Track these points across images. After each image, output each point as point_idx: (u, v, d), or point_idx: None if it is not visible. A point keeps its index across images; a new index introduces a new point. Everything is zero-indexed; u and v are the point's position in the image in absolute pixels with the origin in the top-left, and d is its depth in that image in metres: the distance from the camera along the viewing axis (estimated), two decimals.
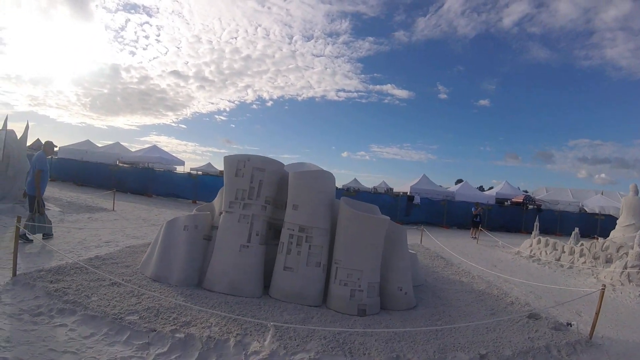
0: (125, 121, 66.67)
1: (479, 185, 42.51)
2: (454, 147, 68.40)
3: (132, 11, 61.66)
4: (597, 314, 4.70)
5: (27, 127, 10.37)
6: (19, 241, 4.98)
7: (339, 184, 32.55)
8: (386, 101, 61.78)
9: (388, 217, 5.20)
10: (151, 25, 61.43)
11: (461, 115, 65.54)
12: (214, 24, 62.22)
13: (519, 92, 63.32)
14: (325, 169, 6.08)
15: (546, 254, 11.93)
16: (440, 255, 10.29)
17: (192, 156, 73.21)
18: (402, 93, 61.36)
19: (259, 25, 63.40)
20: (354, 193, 22.79)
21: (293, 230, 4.97)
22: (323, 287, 5.07)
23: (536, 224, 14.22)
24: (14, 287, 4.32)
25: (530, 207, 25.73)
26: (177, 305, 4.26)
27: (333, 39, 60.78)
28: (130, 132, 65.66)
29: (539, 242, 12.86)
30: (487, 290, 6.80)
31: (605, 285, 5.21)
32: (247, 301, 4.73)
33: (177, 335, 3.57)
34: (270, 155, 5.77)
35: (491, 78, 62.61)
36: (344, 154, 73.59)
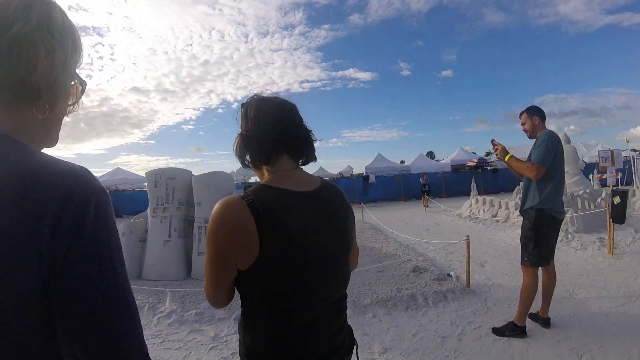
0: (92, 146, 66.00)
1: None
2: (423, 121, 69.87)
3: (83, 33, 59.41)
4: (467, 263, 5.00)
5: None
6: None
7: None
8: (350, 86, 62.79)
9: None
10: (104, 45, 60.53)
11: (426, 89, 67.05)
12: (167, 34, 61.84)
13: (479, 59, 64.90)
14: None
15: (484, 212, 12.70)
16: (375, 227, 11.55)
17: None
18: (365, 75, 62.34)
19: (213, 29, 63.22)
20: None
21: (200, 222, 6.23)
22: None
23: (473, 184, 15.48)
24: None
25: (489, 168, 27.05)
26: None
27: (289, 31, 61.49)
28: (99, 156, 64.60)
29: (476, 201, 13.93)
30: (392, 252, 7.53)
31: (469, 236, 5.07)
32: (172, 283, 5.99)
33: None
34: None
35: (451, 48, 64.05)
36: (316, 144, 74.09)
